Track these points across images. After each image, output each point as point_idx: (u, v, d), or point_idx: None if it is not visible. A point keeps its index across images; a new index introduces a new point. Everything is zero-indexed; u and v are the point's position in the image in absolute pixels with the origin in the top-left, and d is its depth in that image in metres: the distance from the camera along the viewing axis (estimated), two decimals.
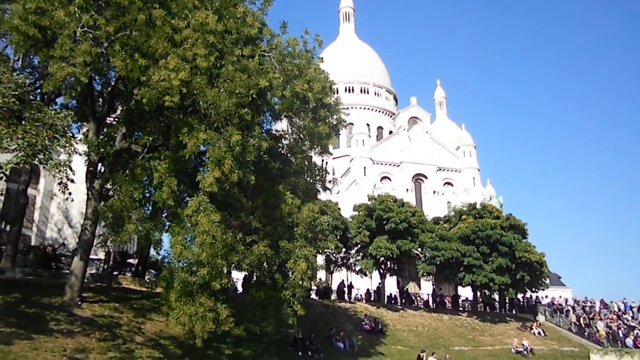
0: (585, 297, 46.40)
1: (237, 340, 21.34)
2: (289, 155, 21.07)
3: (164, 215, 19.35)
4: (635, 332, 35.27)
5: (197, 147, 15.91)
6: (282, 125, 21.66)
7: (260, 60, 17.46)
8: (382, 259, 36.18)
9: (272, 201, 18.32)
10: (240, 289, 31.04)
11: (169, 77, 14.99)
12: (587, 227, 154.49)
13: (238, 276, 31.04)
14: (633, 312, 41.73)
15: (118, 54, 15.90)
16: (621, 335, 34.74)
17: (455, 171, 65.54)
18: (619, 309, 42.12)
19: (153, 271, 29.54)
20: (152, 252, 27.91)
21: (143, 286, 24.55)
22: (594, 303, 43.69)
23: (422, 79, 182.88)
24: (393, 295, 39.18)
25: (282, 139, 21.46)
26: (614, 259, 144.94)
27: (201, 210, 15.29)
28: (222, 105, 15.38)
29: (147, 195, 18.69)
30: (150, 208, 20.11)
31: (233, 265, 17.43)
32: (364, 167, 61.69)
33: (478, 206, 40.20)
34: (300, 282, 18.09)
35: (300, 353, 22.95)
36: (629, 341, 32.98)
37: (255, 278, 20.35)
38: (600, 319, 37.20)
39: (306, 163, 21.46)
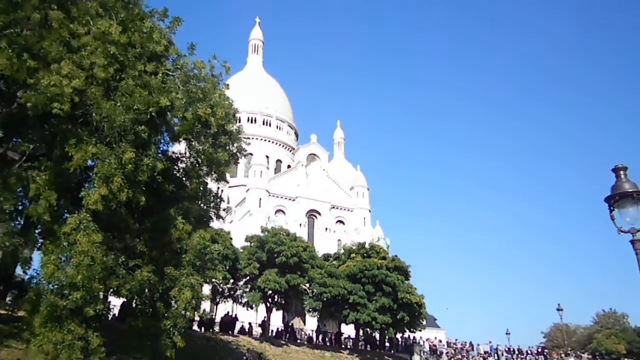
0: (456, 339, 49.42)
1: None
2: (184, 179, 20.37)
3: (37, 231, 17.69)
4: None
5: (84, 160, 14.89)
6: (180, 147, 21.01)
7: (164, 79, 16.93)
8: (270, 292, 35.88)
9: (161, 225, 17.51)
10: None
11: (60, 83, 13.98)
12: (458, 273, 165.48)
13: (116, 302, 28.97)
14: (498, 355, 45.01)
15: (3, 51, 14.59)
16: None
17: (348, 210, 67.50)
18: (485, 352, 45.22)
19: (16, 292, 26.65)
20: (19, 270, 25.32)
21: (2, 308, 22.01)
22: (464, 345, 46.55)
23: (323, 118, 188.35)
24: (278, 330, 38.78)
25: (179, 162, 20.74)
26: (484, 303, 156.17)
27: (81, 229, 14.21)
28: (118, 120, 14.60)
29: (20, 207, 17.03)
30: (21, 222, 18.29)
31: (111, 290, 16.28)
32: (260, 199, 61.53)
33: (367, 246, 41.47)
34: (184, 312, 17.27)
35: None
36: None
37: (134, 305, 19.13)
38: None
39: (201, 189, 20.89)
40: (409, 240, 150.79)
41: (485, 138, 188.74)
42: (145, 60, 16.62)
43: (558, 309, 47.02)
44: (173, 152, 21.38)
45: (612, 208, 8.43)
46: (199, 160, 19.80)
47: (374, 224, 68.88)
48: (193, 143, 19.29)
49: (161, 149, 19.40)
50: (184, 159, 20.64)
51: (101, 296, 15.55)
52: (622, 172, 8.57)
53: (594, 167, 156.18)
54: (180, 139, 19.14)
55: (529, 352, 49.25)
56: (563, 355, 48.99)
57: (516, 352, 47.63)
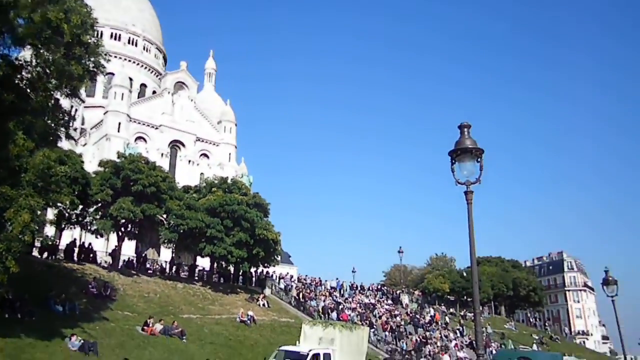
0: (307, 275, 52.40)
1: None
2: (28, 90, 18.15)
3: None
4: (340, 307, 41.11)
5: None
6: (25, 54, 18.54)
7: None
8: (123, 221, 34.41)
9: None
10: None
11: None
12: (314, 213, 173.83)
13: None
14: (342, 290, 48.70)
15: None
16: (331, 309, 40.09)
17: (214, 144, 66.07)
18: (332, 287, 48.63)
19: None
20: None
21: None
22: (314, 280, 49.54)
23: (195, 46, 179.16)
24: (129, 259, 37.62)
25: (23, 70, 18.35)
26: (335, 243, 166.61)
27: None
28: None
29: None
30: None
31: None
32: (119, 123, 57.41)
33: (229, 181, 41.25)
34: (20, 236, 15.86)
35: (7, 315, 20.20)
36: (334, 315, 38.25)
37: None
38: (322, 299, 41.99)
39: (49, 104, 18.87)
40: (271, 179, 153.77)
41: (365, 73, 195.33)
42: None
43: (399, 252, 51.85)
44: (16, 58, 18.79)
45: (453, 161, 9.24)
46: (48, 71, 17.74)
47: (239, 161, 68.55)
48: (41, 51, 17.15)
49: (1, 52, 17.00)
50: (29, 67, 18.28)
51: None
52: (465, 129, 9.37)
53: (443, 123, 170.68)
54: (26, 45, 16.89)
55: (370, 288, 54.06)
56: (399, 292, 54.61)
57: (359, 288, 51.97)
